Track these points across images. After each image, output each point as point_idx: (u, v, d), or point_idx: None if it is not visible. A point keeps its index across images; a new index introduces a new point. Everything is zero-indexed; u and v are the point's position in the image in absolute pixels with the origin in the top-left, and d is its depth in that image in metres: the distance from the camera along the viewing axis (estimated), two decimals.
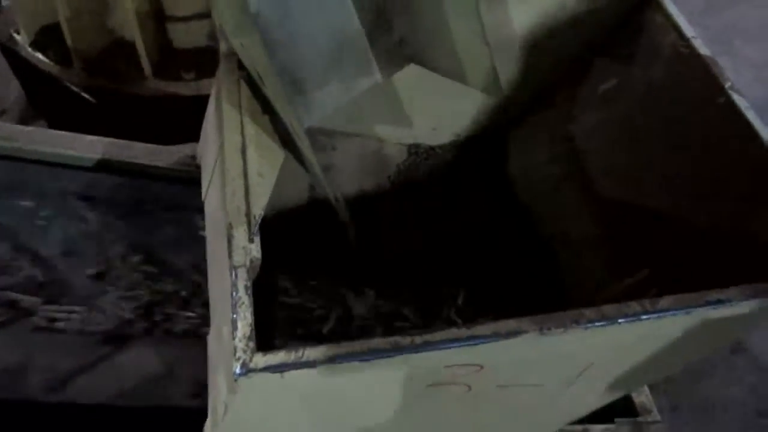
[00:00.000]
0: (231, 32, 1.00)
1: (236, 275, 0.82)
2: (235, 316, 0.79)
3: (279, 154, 0.98)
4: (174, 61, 1.72)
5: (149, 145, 1.35)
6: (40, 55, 1.77)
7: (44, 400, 0.97)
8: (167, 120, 1.57)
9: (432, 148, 1.43)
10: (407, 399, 0.94)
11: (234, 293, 0.81)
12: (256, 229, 0.86)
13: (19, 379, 0.99)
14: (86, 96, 1.72)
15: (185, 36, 1.71)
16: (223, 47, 1.11)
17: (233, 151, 0.94)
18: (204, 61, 1.73)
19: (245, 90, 1.04)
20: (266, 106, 1.03)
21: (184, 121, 1.48)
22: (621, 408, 1.40)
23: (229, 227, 0.86)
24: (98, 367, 1.06)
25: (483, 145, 1.42)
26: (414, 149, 1.42)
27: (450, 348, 0.79)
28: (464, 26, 1.00)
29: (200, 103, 1.71)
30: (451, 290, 1.33)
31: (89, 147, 1.29)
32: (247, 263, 0.83)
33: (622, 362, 1.00)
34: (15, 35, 1.83)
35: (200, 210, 1.25)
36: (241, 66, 1.08)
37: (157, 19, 1.67)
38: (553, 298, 1.31)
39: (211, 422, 0.96)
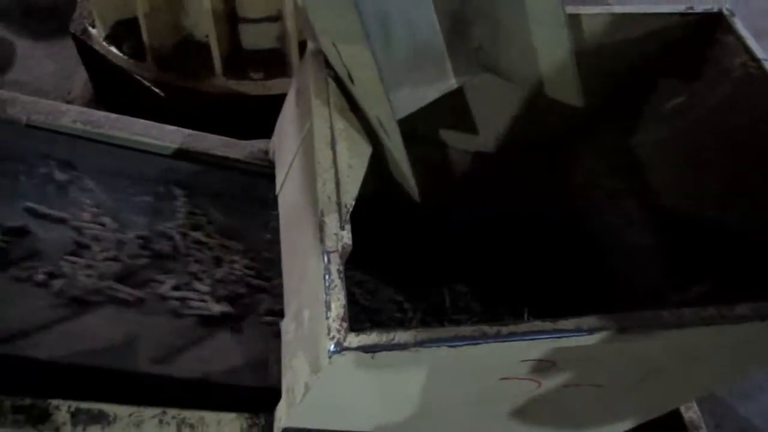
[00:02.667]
0: (324, 31, 1.05)
1: (329, 259, 0.86)
2: (328, 297, 0.83)
3: (366, 148, 1.02)
4: (243, 61, 1.78)
5: (224, 138, 1.40)
6: (113, 49, 1.83)
7: (148, 371, 1.02)
8: (234, 117, 1.63)
9: (494, 155, 1.47)
10: (478, 390, 0.98)
11: (327, 276, 0.85)
12: (347, 217, 0.90)
13: (126, 352, 1.04)
14: (156, 90, 1.79)
15: (255, 37, 1.77)
16: (310, 46, 1.15)
17: (324, 145, 0.98)
18: (271, 62, 1.79)
19: (332, 87, 1.08)
20: (352, 103, 1.08)
21: (250, 119, 1.54)
22: (669, 423, 1.42)
23: (321, 214, 0.90)
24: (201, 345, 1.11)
25: (544, 153, 1.46)
26: (477, 157, 1.46)
27: (533, 339, 0.82)
28: (549, 35, 1.04)
29: (267, 102, 1.78)
30: (506, 293, 1.37)
31: (169, 136, 1.34)
32: (339, 248, 0.87)
33: (687, 369, 1.03)
34: (90, 28, 1.90)
35: (269, 201, 1.30)
36: (327, 64, 1.12)
37: (229, 19, 1.73)
38: (605, 307, 1.34)
39: (286, 403, 1.00)
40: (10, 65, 2.57)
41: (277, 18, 1.75)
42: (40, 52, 2.61)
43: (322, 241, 0.88)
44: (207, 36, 1.74)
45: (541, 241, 1.40)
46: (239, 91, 1.75)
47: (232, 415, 1.04)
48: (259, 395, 1.06)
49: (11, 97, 1.28)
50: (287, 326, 1.06)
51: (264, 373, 1.09)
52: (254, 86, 1.76)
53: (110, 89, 1.98)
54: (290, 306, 1.08)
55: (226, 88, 1.75)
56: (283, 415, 1.00)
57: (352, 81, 1.06)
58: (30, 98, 1.30)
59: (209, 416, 1.03)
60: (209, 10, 1.62)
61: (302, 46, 1.73)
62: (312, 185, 1.03)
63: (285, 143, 1.28)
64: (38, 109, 1.29)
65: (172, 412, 1.01)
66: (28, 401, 0.96)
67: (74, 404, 0.97)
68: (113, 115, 1.33)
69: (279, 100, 1.64)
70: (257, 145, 1.41)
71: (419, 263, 1.28)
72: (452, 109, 1.37)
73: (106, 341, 1.05)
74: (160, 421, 1.00)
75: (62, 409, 0.97)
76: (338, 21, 0.97)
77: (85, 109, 1.34)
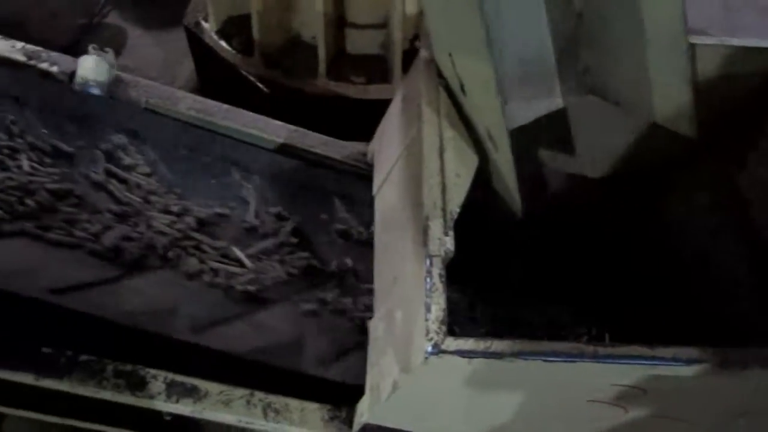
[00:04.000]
0: (442, 41, 1.07)
1: (431, 263, 0.88)
2: (428, 300, 0.85)
3: (473, 159, 1.03)
4: (346, 64, 1.82)
5: (325, 137, 1.44)
6: (223, 43, 1.91)
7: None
8: (332, 118, 1.66)
9: (590, 178, 1.46)
10: (563, 409, 0.97)
11: (428, 279, 0.86)
12: (451, 223, 0.92)
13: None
14: (261, 86, 1.85)
15: (360, 42, 1.81)
16: (423, 54, 1.18)
17: (432, 152, 1.01)
18: (373, 67, 1.82)
19: (443, 96, 1.10)
20: (460, 114, 1.09)
21: (348, 121, 1.57)
22: None
23: (426, 219, 0.92)
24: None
25: (643, 180, 1.44)
26: (573, 178, 1.45)
27: (629, 364, 0.82)
28: (667, 63, 1.04)
29: (366, 106, 1.81)
30: (592, 317, 1.35)
31: (275, 130, 1.39)
32: (442, 253, 0.89)
33: None
34: (202, 22, 1.98)
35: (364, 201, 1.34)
36: (439, 73, 1.15)
37: (337, 23, 1.77)
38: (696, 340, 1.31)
39: (370, 400, 1.02)
40: (121, 51, 2.70)
41: (383, 25, 1.79)
42: (149, 40, 2.73)
43: (425, 244, 0.90)
44: (314, 37, 1.79)
45: (634, 267, 1.39)
46: (340, 94, 1.79)
47: (314, 405, 1.06)
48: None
49: (133, 81, 1.35)
50: (376, 325, 1.09)
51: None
52: (355, 90, 1.79)
53: (215, 81, 2.05)
54: (381, 305, 1.10)
55: (327, 90, 1.79)
56: (365, 410, 1.02)
57: (464, 92, 1.08)
58: (149, 82, 1.38)
59: (293, 403, 1.06)
60: (321, 13, 1.67)
61: (405, 54, 1.76)
62: (416, 190, 1.05)
63: (386, 147, 1.30)
64: (156, 93, 1.35)
65: (259, 395, 1.05)
66: (129, 367, 1.01)
67: (170, 376, 1.02)
68: (225, 106, 1.39)
69: (378, 105, 1.67)
70: (356, 147, 1.44)
71: (508, 276, 1.28)
72: (552, 128, 1.37)
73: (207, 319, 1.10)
74: (248, 402, 1.03)
75: (159, 378, 1.01)
76: (459, 33, 1.00)
77: (199, 98, 1.40)
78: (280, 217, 1.30)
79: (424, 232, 0.91)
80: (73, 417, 1.06)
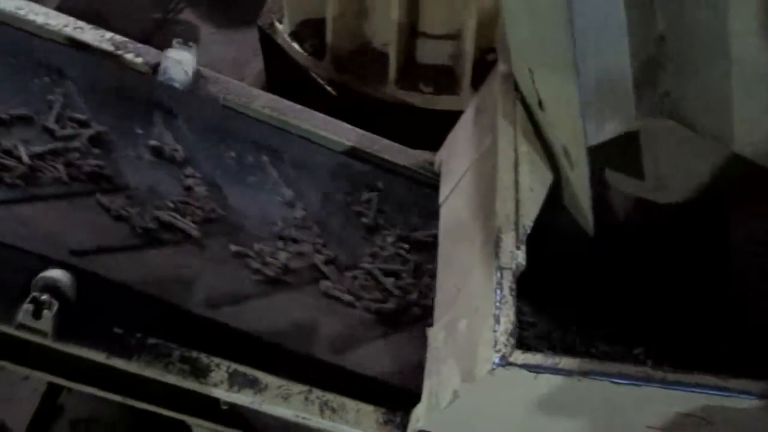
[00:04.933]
0: (522, 56, 1.07)
1: (502, 275, 0.88)
2: (498, 312, 0.85)
3: (548, 175, 1.03)
4: (415, 73, 1.84)
5: (394, 143, 1.45)
6: (296, 45, 1.94)
7: (329, 360, 1.09)
8: (398, 126, 1.68)
9: (656, 203, 1.44)
10: None
11: (498, 291, 0.87)
12: (523, 237, 0.92)
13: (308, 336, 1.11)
14: (329, 89, 1.88)
15: (431, 52, 1.83)
16: (502, 68, 1.19)
17: (507, 165, 1.01)
18: (442, 78, 1.84)
19: (519, 110, 1.11)
20: (536, 129, 1.10)
21: (413, 129, 1.58)
22: None
23: (499, 232, 0.93)
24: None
25: (709, 208, 1.42)
26: (638, 201, 1.44)
27: (698, 393, 0.81)
28: (753, 94, 1.02)
29: (432, 116, 1.83)
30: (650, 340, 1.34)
31: (345, 133, 1.41)
32: (513, 266, 0.89)
33: None
34: (277, 23, 2.02)
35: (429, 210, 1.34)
36: (516, 87, 1.15)
37: (410, 33, 1.79)
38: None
39: (427, 407, 1.02)
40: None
41: (455, 37, 1.80)
42: (220, 38, 2.80)
43: (497, 256, 0.91)
44: (385, 45, 1.82)
45: (689, 294, 1.36)
46: (407, 102, 1.81)
47: (370, 408, 1.07)
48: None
49: (213, 76, 1.38)
50: (437, 333, 1.09)
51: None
52: (422, 99, 1.81)
53: (284, 82, 2.09)
54: (443, 313, 1.10)
55: (395, 97, 1.81)
56: (421, 417, 1.02)
57: (541, 107, 1.08)
58: (227, 79, 1.41)
59: (350, 403, 1.07)
60: (395, 21, 1.69)
61: (475, 67, 1.77)
62: (486, 202, 1.05)
63: (456, 158, 1.31)
64: (234, 90, 1.39)
65: (317, 392, 1.06)
66: (194, 354, 1.03)
67: (233, 366, 1.04)
68: (297, 106, 1.42)
69: (444, 115, 1.68)
70: (424, 155, 1.45)
71: (572, 292, 1.28)
72: (623, 149, 1.36)
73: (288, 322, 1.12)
74: (306, 399, 1.05)
75: (222, 368, 1.04)
76: (543, 49, 1.00)
77: (274, 97, 1.44)
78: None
79: (496, 244, 0.92)
80: (132, 396, 1.09)
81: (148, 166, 1.23)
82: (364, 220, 1.32)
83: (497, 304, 0.86)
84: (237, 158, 1.31)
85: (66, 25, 1.33)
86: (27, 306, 0.94)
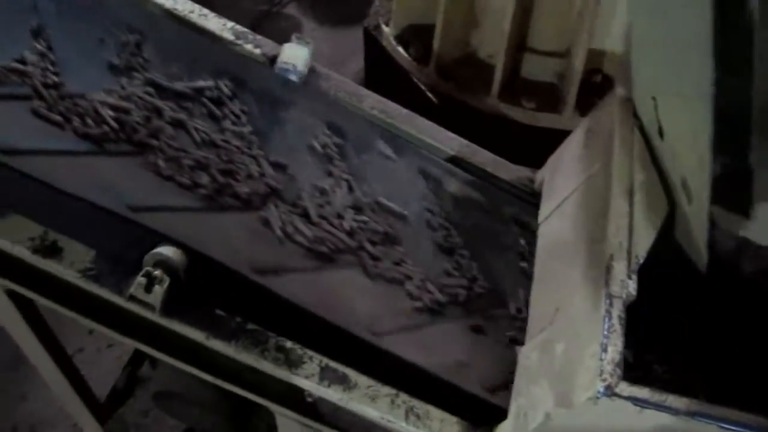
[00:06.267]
0: (647, 82, 1.05)
1: (611, 304, 0.87)
2: (605, 341, 0.84)
3: (663, 206, 1.01)
4: (518, 88, 1.83)
5: (496, 157, 1.44)
6: (400, 49, 1.96)
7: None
8: (497, 139, 1.67)
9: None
10: None
11: (607, 319, 0.85)
12: (635, 267, 0.91)
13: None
14: (430, 96, 1.89)
15: (536, 68, 1.82)
16: (620, 92, 1.17)
17: (622, 192, 0.99)
18: (545, 95, 1.82)
19: (638, 137, 1.09)
20: (653, 158, 1.07)
21: (512, 144, 1.57)
22: None
23: (611, 259, 0.91)
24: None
25: None
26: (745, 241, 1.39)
27: None
28: None
29: (532, 132, 1.81)
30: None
31: (448, 141, 1.42)
32: (624, 295, 0.87)
33: None
34: (383, 26, 2.04)
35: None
36: (634, 114, 1.13)
37: (517, 46, 1.78)
38: None
39: (513, 426, 1.01)
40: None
41: (563, 55, 1.79)
42: (320, 35, 2.85)
43: (607, 284, 0.89)
44: (490, 56, 1.81)
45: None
46: (508, 116, 1.80)
47: (454, 419, 1.07)
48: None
49: (326, 73, 1.41)
50: (529, 352, 1.08)
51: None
52: (524, 114, 1.80)
53: (384, 85, 2.10)
54: (536, 333, 1.09)
55: (496, 110, 1.81)
56: None
57: (661, 136, 1.06)
58: (339, 77, 1.43)
59: (435, 412, 1.07)
60: (506, 33, 1.69)
61: (581, 86, 1.75)
62: (593, 226, 1.04)
63: (561, 178, 1.30)
64: (344, 88, 1.41)
65: (403, 396, 1.06)
66: (289, 344, 1.05)
67: (325, 360, 1.05)
68: (404, 110, 1.43)
69: (544, 133, 1.66)
70: (524, 171, 1.44)
71: (677, 329, 1.24)
72: (734, 191, 1.32)
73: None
74: (392, 402, 1.05)
75: (314, 361, 1.05)
76: (674, 78, 0.98)
77: (381, 98, 1.45)
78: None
79: (607, 271, 0.90)
80: (220, 377, 1.11)
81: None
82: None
83: (605, 332, 0.84)
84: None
85: (192, 11, 1.38)
86: (140, 279, 0.97)
